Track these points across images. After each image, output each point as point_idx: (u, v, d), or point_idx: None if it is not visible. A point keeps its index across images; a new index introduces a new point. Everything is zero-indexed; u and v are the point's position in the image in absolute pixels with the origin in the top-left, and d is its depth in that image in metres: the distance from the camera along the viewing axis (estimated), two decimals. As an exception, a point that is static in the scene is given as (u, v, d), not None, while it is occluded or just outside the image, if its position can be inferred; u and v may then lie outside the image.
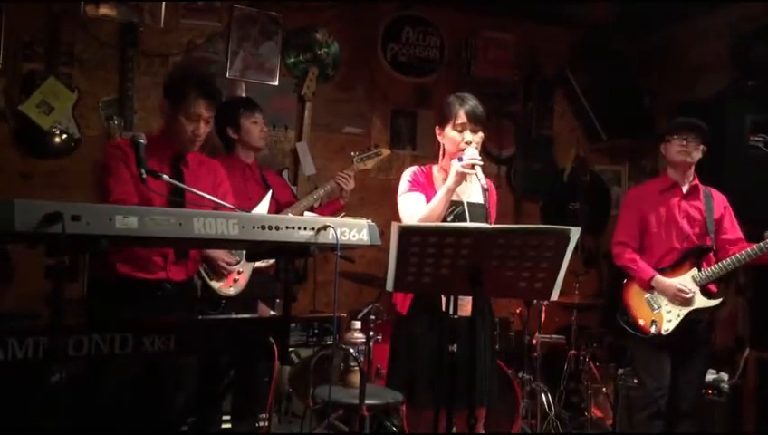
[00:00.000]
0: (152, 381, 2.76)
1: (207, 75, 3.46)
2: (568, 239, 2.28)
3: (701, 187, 3.67)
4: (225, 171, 3.23)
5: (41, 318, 3.38)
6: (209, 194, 2.70)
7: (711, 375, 4.11)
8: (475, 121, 2.91)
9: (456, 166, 2.80)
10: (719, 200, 3.67)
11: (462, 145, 2.88)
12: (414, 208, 2.91)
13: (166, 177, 2.65)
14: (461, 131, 2.90)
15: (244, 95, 4.85)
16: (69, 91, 4.41)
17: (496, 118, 5.42)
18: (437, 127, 3.02)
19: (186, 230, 2.01)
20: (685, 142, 3.57)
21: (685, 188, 3.64)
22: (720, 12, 5.06)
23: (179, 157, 2.99)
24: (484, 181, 2.76)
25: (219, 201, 2.59)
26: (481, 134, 2.94)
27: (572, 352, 4.92)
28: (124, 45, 4.55)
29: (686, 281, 3.53)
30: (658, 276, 3.56)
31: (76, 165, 4.43)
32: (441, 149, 3.05)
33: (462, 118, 2.90)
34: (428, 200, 2.92)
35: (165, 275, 2.90)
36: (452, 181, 2.80)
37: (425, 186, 2.99)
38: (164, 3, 4.69)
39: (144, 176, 2.60)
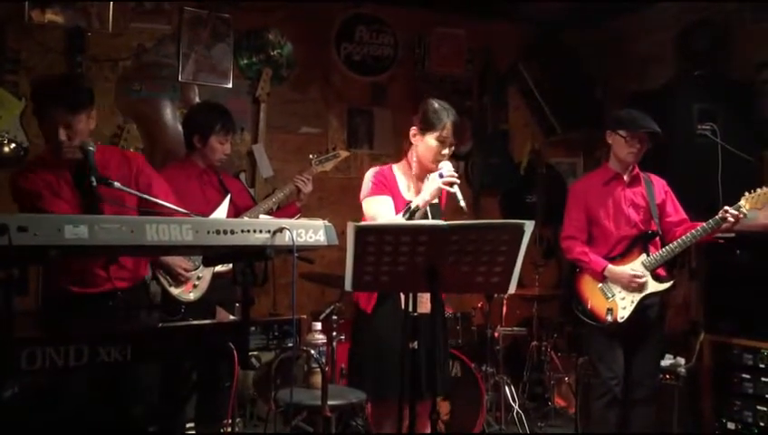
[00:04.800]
0: (111, 392, 2.72)
1: (63, 81, 3.15)
2: (522, 233, 2.32)
3: (641, 174, 3.75)
4: (147, 164, 3.12)
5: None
6: (128, 187, 2.70)
7: (668, 360, 4.20)
8: (456, 136, 2.95)
9: (436, 181, 2.81)
10: (659, 185, 3.76)
11: (439, 157, 2.92)
12: (385, 212, 2.91)
13: (117, 184, 2.63)
14: (442, 143, 2.93)
15: (198, 99, 4.80)
16: (16, 99, 4.31)
17: (453, 114, 5.44)
18: (417, 130, 2.99)
19: (138, 238, 1.97)
20: (639, 147, 3.62)
21: (626, 178, 3.72)
22: (666, 3, 5.17)
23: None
24: (463, 203, 2.76)
25: (146, 196, 2.62)
26: (453, 148, 2.99)
27: (534, 343, 4.99)
28: (72, 51, 4.46)
29: (636, 267, 3.60)
30: (610, 266, 3.62)
31: (26, 174, 4.33)
32: (411, 149, 3.04)
33: (449, 131, 2.92)
34: (395, 202, 2.94)
35: (111, 286, 2.89)
36: (428, 195, 2.84)
37: (390, 188, 2.99)
38: (111, 6, 4.59)
39: (95, 184, 2.58)
